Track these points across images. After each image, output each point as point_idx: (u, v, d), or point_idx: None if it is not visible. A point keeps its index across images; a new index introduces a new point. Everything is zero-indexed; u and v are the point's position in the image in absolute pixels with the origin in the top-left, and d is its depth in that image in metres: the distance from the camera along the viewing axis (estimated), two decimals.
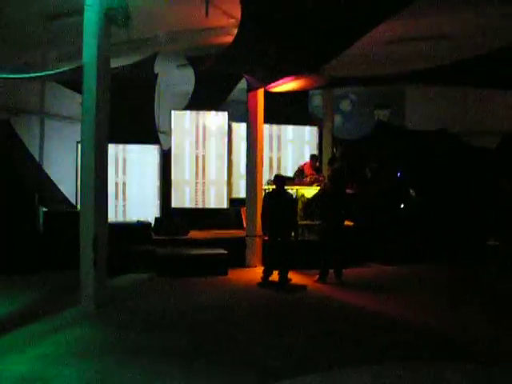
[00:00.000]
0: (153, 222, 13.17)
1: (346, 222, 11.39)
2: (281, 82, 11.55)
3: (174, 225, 12.72)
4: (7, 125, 12.83)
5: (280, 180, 10.87)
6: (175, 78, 15.35)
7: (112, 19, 7.97)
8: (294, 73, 10.48)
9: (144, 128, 14.41)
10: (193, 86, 15.02)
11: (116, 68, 10.27)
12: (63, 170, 14.31)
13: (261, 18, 7.56)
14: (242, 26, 8.01)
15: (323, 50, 8.75)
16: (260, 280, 10.53)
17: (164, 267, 11.17)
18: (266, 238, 10.88)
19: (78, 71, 8.35)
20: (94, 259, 8.00)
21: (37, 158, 14.46)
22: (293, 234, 10.74)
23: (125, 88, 12.48)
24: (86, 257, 8.10)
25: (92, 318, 7.80)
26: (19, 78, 10.87)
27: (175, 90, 16.13)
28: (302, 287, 10.25)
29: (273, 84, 11.77)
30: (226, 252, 11.59)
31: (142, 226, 12.78)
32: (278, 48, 8.72)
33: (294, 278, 10.78)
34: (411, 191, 14.81)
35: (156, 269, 11.20)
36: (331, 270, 10.67)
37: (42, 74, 9.95)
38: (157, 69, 13.39)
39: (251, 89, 12.17)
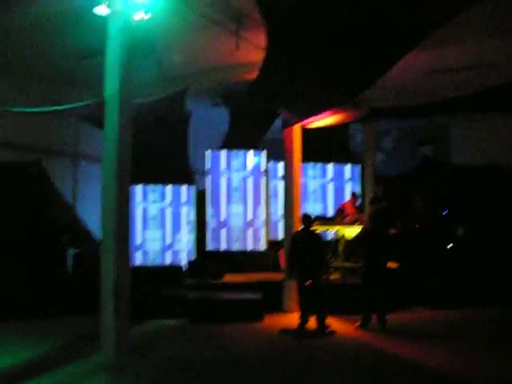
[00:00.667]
0: (186, 266, 12.62)
1: (390, 264, 10.65)
2: (317, 116, 11.06)
3: (208, 268, 12.12)
4: (38, 166, 12.57)
5: (306, 219, 10.23)
6: (209, 116, 14.96)
7: (135, 51, 7.60)
8: (328, 104, 9.93)
9: (178, 168, 14.00)
10: (228, 125, 14.61)
11: (144, 104, 9.90)
12: (98, 212, 13.94)
13: (287, 45, 7.09)
14: (268, 55, 7.55)
15: (357, 77, 8.18)
16: (289, 327, 9.92)
17: (195, 313, 10.59)
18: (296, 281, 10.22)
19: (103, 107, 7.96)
20: (114, 306, 7.47)
21: (70, 199, 14.14)
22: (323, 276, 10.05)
23: (157, 127, 12.24)
24: (106, 303, 7.60)
25: (111, 369, 7.26)
26: (39, 112, 10.58)
27: (210, 129, 15.73)
28: (331, 333, 9.60)
29: (309, 119, 11.27)
30: (261, 297, 10.94)
31: (173, 269, 12.30)
32: (309, 78, 8.21)
33: (335, 323, 10.06)
34: (459, 230, 13.97)
35: (187, 314, 10.62)
36: (375, 315, 9.90)
37: (62, 107, 9.65)
38: (189, 106, 13.00)
39: (287, 125, 11.65)
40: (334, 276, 11.61)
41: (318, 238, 10.29)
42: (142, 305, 10.81)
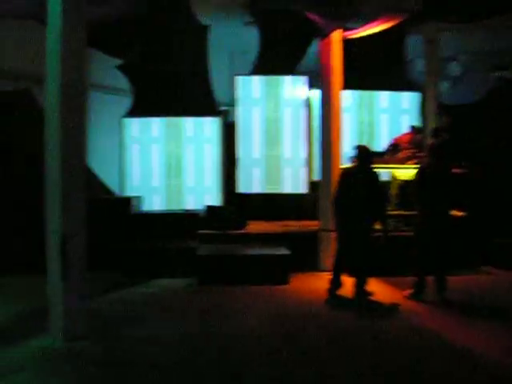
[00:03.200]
0: (204, 212, 10.50)
1: (455, 213, 8.27)
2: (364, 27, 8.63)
3: (227, 215, 9.93)
4: (27, 96, 10.54)
5: (362, 152, 7.68)
6: (235, 34, 12.48)
7: None
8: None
9: (198, 97, 11.75)
10: (260, 47, 12.19)
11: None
12: (105, 151, 11.97)
13: None
14: None
15: None
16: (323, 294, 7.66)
17: (205, 271, 8.56)
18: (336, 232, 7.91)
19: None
20: (62, 272, 5.43)
21: None
22: (380, 227, 7.58)
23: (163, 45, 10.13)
24: (53, 268, 5.55)
25: (50, 361, 5.13)
26: None
27: (237, 51, 13.31)
28: (392, 308, 7.22)
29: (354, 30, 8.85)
30: (287, 253, 8.78)
31: (190, 216, 10.29)
32: None
33: (380, 289, 7.84)
34: None
35: (196, 273, 8.60)
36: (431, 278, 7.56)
37: None
38: (202, 18, 10.59)
39: (323, 34, 9.18)
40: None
41: (377, 178, 7.78)
42: (141, 262, 8.98)
